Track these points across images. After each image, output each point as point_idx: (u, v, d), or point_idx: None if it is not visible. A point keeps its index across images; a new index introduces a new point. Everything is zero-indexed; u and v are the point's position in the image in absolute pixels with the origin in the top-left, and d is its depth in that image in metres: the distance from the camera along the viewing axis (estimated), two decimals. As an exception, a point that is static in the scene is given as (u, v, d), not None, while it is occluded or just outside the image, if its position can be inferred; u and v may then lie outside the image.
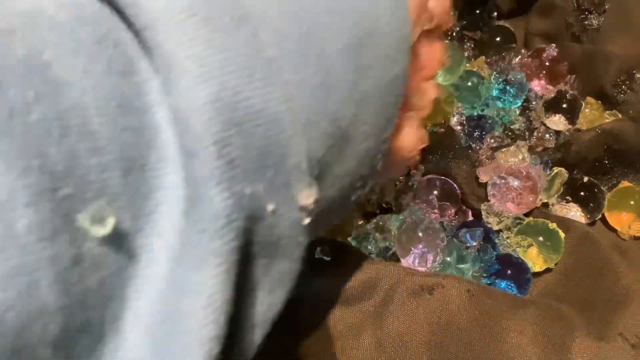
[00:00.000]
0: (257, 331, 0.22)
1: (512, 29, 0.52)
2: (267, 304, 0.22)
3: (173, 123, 0.19)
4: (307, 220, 0.22)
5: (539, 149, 0.46)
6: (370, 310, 0.36)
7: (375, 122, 0.25)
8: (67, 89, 0.17)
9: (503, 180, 0.42)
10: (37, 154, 0.16)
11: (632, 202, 0.42)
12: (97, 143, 0.17)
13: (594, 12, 0.49)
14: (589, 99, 0.48)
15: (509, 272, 0.40)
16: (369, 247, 0.42)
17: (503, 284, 0.40)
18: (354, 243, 0.42)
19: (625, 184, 0.43)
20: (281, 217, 0.21)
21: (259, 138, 0.19)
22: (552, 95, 0.48)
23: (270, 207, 0.20)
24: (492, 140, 0.45)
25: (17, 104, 0.16)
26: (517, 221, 0.42)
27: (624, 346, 0.35)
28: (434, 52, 0.31)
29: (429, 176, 0.44)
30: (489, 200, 0.43)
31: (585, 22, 0.49)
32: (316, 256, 0.39)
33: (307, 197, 0.21)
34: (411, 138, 0.30)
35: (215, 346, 0.19)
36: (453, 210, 0.43)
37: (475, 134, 0.46)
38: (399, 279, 0.37)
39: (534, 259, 0.41)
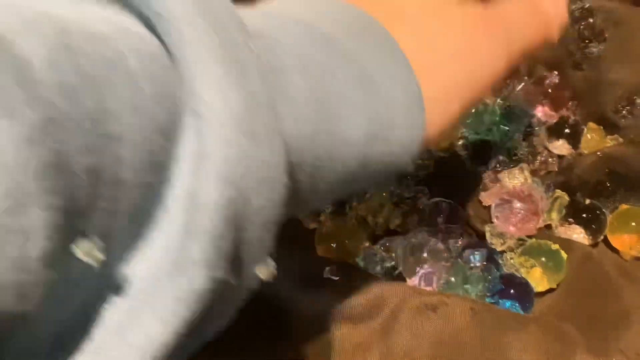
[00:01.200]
0: None
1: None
2: None
3: (185, 197, 0.20)
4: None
5: (542, 172, 0.47)
6: (376, 328, 0.37)
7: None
8: (116, 145, 0.18)
9: (507, 203, 0.44)
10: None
11: (633, 224, 0.43)
12: (119, 193, 0.18)
13: (594, 41, 0.50)
14: (590, 124, 0.49)
15: (512, 291, 0.41)
16: (376, 268, 0.43)
17: (507, 303, 0.41)
18: (361, 264, 0.43)
19: (624, 206, 0.44)
20: (237, 290, 0.22)
21: (250, 237, 0.21)
22: (555, 121, 0.49)
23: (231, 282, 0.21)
24: (498, 165, 0.47)
25: (66, 154, 0.16)
26: (520, 242, 0.43)
27: (624, 362, 0.36)
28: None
29: (434, 199, 0.45)
30: (492, 222, 0.44)
31: (586, 51, 0.50)
32: (324, 276, 0.40)
33: (265, 274, 0.23)
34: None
35: None
36: (458, 232, 0.44)
37: (479, 158, 0.47)
38: (404, 298, 0.38)
39: (538, 280, 0.42)
